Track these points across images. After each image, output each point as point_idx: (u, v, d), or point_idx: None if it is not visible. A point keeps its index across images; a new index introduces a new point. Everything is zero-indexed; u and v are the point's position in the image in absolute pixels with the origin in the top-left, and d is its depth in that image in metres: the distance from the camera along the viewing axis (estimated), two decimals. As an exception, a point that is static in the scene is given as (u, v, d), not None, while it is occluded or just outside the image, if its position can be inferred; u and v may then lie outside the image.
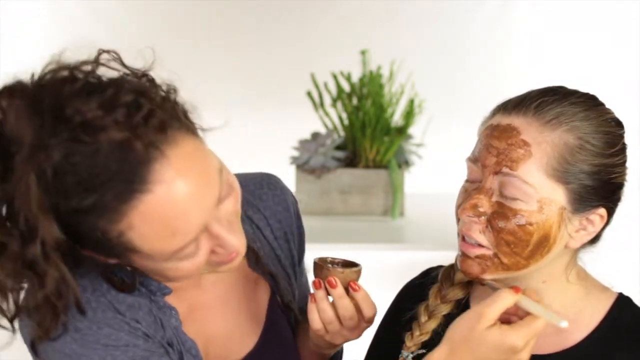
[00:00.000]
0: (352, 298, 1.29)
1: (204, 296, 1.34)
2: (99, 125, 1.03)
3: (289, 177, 2.72)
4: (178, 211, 1.08)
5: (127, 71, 1.14)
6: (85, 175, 1.04)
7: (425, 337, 1.35)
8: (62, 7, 3.29)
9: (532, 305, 1.17)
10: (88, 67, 1.11)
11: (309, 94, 2.92)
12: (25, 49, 2.86)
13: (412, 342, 1.35)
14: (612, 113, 1.27)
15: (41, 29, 3.18)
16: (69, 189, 1.04)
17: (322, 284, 1.28)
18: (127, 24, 3.29)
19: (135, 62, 1.20)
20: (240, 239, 1.18)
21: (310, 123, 2.95)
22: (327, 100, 2.93)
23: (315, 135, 2.90)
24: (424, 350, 1.33)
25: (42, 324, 1.14)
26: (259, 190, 1.42)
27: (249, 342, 1.36)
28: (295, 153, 2.89)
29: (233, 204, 1.17)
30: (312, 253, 1.49)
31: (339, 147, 2.89)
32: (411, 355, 1.35)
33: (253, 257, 1.37)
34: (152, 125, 1.06)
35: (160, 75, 1.18)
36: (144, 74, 1.14)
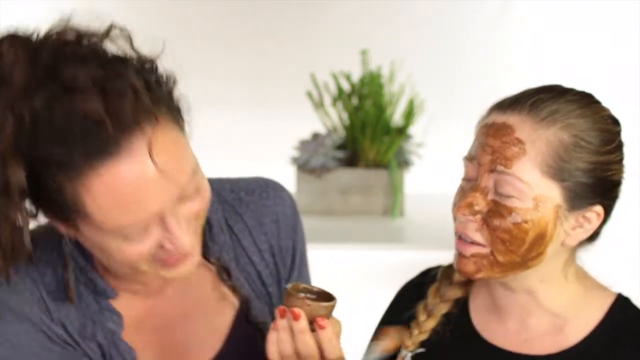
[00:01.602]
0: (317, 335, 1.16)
1: (165, 304, 1.29)
2: (88, 94, 1.05)
3: (289, 177, 2.72)
4: (137, 190, 1.08)
5: (133, 53, 1.15)
6: (60, 129, 1.05)
7: (424, 336, 1.35)
8: (62, 7, 3.29)
9: None
10: (95, 38, 1.14)
11: (309, 94, 2.92)
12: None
13: (411, 340, 1.35)
14: (608, 110, 1.27)
15: (42, 26, 3.17)
16: (41, 138, 1.06)
17: (287, 314, 1.15)
18: (127, 24, 3.28)
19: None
20: (193, 242, 1.15)
21: (310, 123, 2.95)
22: (327, 100, 2.93)
23: (315, 135, 2.90)
24: (422, 349, 1.34)
25: None
26: (248, 197, 1.36)
27: (205, 356, 1.30)
28: (295, 153, 2.89)
29: (197, 207, 1.15)
30: (311, 253, 1.48)
31: (339, 147, 2.89)
32: (410, 354, 1.35)
33: (223, 271, 1.32)
34: (142, 104, 1.08)
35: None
36: (150, 60, 1.15)
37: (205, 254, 1.31)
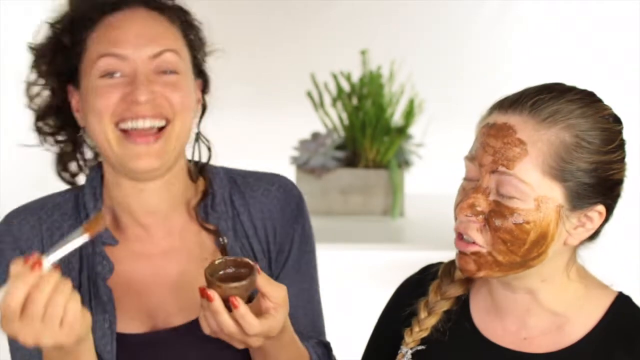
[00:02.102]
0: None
1: (161, 265, 1.39)
2: None
3: (288, 177, 2.71)
4: (127, 27, 1.34)
5: None
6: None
7: (424, 334, 1.34)
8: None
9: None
10: None
11: (309, 94, 2.92)
12: (26, 48, 2.85)
13: (412, 338, 1.35)
14: (610, 109, 1.26)
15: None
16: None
17: (206, 293, 1.20)
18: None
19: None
20: (149, 90, 1.31)
21: (310, 123, 2.95)
22: (327, 100, 2.93)
23: (315, 135, 2.90)
24: (423, 346, 1.34)
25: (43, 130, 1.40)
26: (255, 182, 1.45)
27: (194, 312, 1.34)
28: (295, 153, 2.90)
29: (169, 91, 1.33)
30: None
31: (339, 147, 2.89)
32: (410, 352, 1.35)
33: (218, 240, 1.40)
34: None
35: None
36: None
37: (205, 220, 1.40)
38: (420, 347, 1.34)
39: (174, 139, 1.34)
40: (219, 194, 1.42)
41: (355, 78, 2.91)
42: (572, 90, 1.26)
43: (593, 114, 1.24)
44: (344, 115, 2.90)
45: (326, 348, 1.44)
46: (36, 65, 1.39)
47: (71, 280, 1.24)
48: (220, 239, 1.39)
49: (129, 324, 1.35)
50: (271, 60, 3.45)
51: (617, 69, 3.40)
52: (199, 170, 1.43)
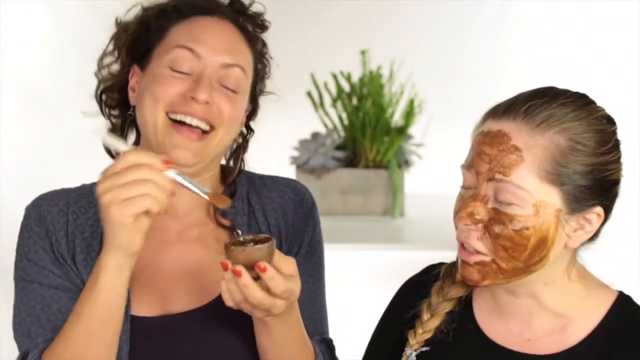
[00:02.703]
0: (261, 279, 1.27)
1: (178, 258, 1.43)
2: None
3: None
4: (212, 31, 1.41)
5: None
6: None
7: (428, 335, 1.35)
8: (63, 6, 3.29)
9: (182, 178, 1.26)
10: None
11: (309, 94, 2.92)
12: (26, 48, 2.86)
13: (415, 340, 1.35)
14: (603, 110, 1.26)
15: (42, 26, 3.18)
16: None
17: (229, 267, 1.25)
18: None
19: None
20: (209, 94, 1.36)
21: (310, 123, 2.95)
22: (327, 100, 2.93)
23: (315, 135, 2.90)
24: (427, 348, 1.34)
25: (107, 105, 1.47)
26: (272, 184, 1.52)
27: (205, 297, 1.40)
28: (295, 153, 2.90)
29: (228, 99, 1.39)
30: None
31: (339, 147, 2.89)
32: (415, 353, 1.35)
33: (233, 234, 1.42)
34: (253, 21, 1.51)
35: None
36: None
37: (223, 215, 1.46)
38: (424, 349, 1.34)
39: (213, 145, 1.39)
40: (238, 191, 1.48)
41: (355, 78, 2.91)
42: (564, 93, 1.26)
43: (586, 116, 1.24)
44: (344, 115, 2.91)
45: (329, 346, 1.46)
46: (117, 38, 1.46)
47: (91, 261, 1.37)
48: (235, 232, 1.41)
49: (143, 307, 1.38)
50: (271, 60, 3.44)
51: (617, 69, 3.40)
52: (232, 180, 1.49)
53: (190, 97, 1.37)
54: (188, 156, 1.37)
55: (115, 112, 1.49)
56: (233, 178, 1.49)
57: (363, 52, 2.93)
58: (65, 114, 2.20)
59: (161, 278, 1.41)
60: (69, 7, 3.38)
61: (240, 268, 1.23)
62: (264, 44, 1.53)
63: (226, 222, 1.45)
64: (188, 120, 1.37)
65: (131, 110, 1.46)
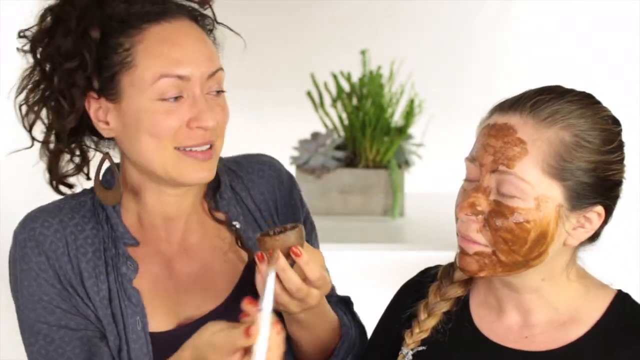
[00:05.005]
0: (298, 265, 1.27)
1: (180, 263, 1.41)
2: None
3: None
4: (185, 44, 1.30)
5: None
6: None
7: (424, 335, 1.35)
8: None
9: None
10: None
11: (309, 94, 2.92)
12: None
13: (412, 339, 1.35)
14: (609, 111, 1.28)
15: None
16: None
17: (265, 257, 1.26)
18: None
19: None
20: (214, 116, 1.31)
21: (310, 123, 2.95)
22: (327, 100, 2.93)
23: (315, 135, 2.90)
24: (423, 347, 1.34)
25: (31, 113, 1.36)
26: (247, 164, 1.50)
27: (217, 299, 1.40)
28: (295, 153, 2.90)
29: (220, 106, 1.34)
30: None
31: (339, 147, 2.89)
32: (411, 352, 1.35)
33: (233, 232, 1.44)
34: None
35: None
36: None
37: (216, 208, 1.44)
38: (420, 348, 1.35)
39: (218, 153, 1.38)
40: (222, 182, 1.46)
41: (355, 78, 2.91)
42: (571, 92, 1.27)
43: (592, 115, 1.25)
44: (344, 115, 2.90)
45: (347, 304, 1.50)
46: (49, 55, 1.33)
47: (102, 284, 1.35)
48: (232, 225, 1.43)
49: (159, 323, 1.37)
50: (271, 61, 3.45)
51: (617, 69, 3.40)
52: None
53: (197, 126, 1.31)
54: (206, 176, 1.35)
55: (60, 136, 1.36)
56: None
57: (363, 52, 2.93)
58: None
59: (173, 289, 1.40)
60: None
61: (278, 254, 1.24)
62: (214, 22, 1.41)
63: (220, 216, 1.43)
64: (202, 147, 1.33)
65: (103, 142, 1.38)
